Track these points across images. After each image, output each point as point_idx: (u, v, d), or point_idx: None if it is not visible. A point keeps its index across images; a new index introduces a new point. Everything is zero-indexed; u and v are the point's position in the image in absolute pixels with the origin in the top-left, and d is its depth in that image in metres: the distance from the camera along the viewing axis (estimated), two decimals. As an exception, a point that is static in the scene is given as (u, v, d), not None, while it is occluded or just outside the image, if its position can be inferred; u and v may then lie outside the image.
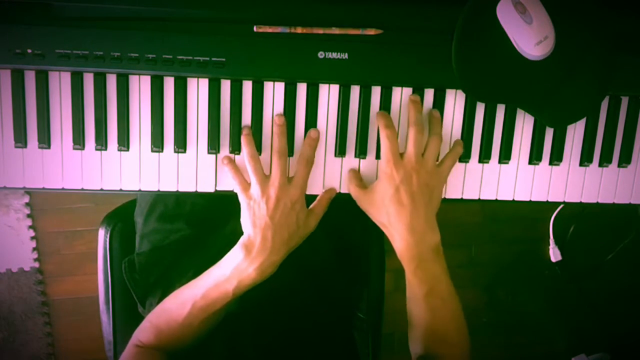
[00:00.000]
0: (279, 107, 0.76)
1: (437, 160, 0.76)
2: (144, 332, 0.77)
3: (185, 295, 0.75)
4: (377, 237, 1.05)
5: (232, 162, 0.75)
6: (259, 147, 0.76)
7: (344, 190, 0.79)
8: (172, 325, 0.75)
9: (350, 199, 0.78)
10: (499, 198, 0.82)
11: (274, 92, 0.76)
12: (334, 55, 0.74)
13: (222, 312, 0.75)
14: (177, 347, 0.76)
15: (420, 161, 0.73)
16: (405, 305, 0.79)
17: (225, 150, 0.76)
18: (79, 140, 0.74)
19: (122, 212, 1.02)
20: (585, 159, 0.81)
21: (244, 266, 0.71)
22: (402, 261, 0.75)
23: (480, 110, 0.79)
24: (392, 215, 0.73)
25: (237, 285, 0.71)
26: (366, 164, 0.78)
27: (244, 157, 0.73)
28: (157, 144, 0.75)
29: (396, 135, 0.74)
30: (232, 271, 0.72)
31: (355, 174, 0.77)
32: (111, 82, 0.73)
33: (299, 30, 0.73)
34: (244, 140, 0.74)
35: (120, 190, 0.76)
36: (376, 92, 0.77)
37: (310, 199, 0.77)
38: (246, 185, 0.73)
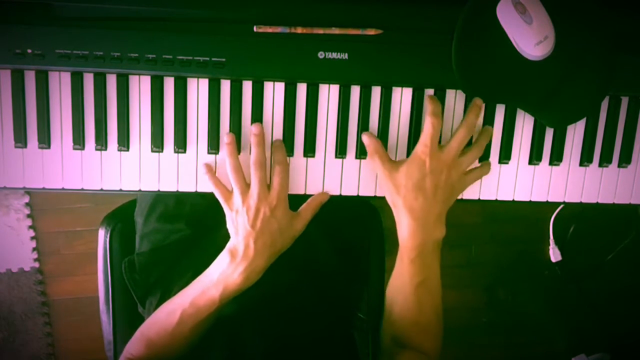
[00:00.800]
0: (279, 107, 0.76)
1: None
2: (135, 345, 0.77)
3: (173, 304, 0.76)
4: (377, 237, 1.05)
5: (211, 171, 0.76)
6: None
7: (344, 193, 0.79)
8: (162, 335, 0.75)
9: (350, 199, 0.78)
10: (499, 198, 0.82)
11: (274, 92, 0.76)
12: (334, 55, 0.74)
13: (211, 320, 0.76)
14: (168, 356, 0.76)
15: (455, 160, 0.74)
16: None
17: (225, 150, 0.76)
18: (79, 141, 0.74)
19: (122, 212, 1.02)
20: (585, 159, 0.81)
21: (229, 271, 0.72)
22: (402, 247, 0.75)
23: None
24: (408, 200, 0.73)
25: (222, 291, 0.73)
26: (367, 165, 0.78)
27: (227, 168, 0.74)
28: (157, 144, 0.75)
29: (440, 126, 0.74)
30: (218, 277, 0.73)
31: (381, 144, 0.76)
32: (111, 82, 0.73)
33: (299, 30, 0.73)
34: (227, 150, 0.74)
35: (120, 190, 0.76)
36: (376, 92, 0.77)
37: (306, 198, 0.77)
38: (228, 195, 0.74)
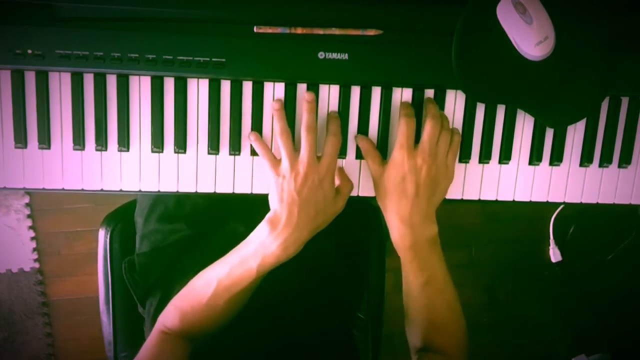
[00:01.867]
0: (279, 108, 0.76)
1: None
2: (168, 316, 0.76)
3: (210, 274, 0.74)
4: (377, 237, 1.05)
5: (259, 138, 0.75)
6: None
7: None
8: (196, 307, 0.73)
9: (349, 200, 0.78)
10: (499, 199, 0.82)
11: (274, 93, 0.76)
12: (334, 55, 0.74)
13: (247, 295, 0.74)
14: (201, 331, 0.75)
15: (432, 154, 0.73)
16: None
17: (225, 150, 0.76)
18: (79, 141, 0.74)
19: (122, 213, 1.02)
20: (586, 159, 0.81)
21: (268, 242, 0.70)
22: (397, 250, 0.75)
23: (480, 110, 0.79)
24: (392, 203, 0.73)
25: (261, 262, 0.70)
26: (367, 165, 0.78)
27: (275, 132, 0.73)
28: (157, 144, 0.75)
29: (414, 124, 0.74)
30: (256, 247, 0.71)
31: (373, 147, 0.76)
32: (111, 82, 0.73)
33: (299, 30, 0.73)
34: (276, 115, 0.73)
35: (121, 190, 0.76)
36: (376, 92, 0.77)
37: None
38: (275, 162, 0.73)
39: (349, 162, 0.78)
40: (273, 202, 0.72)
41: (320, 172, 0.71)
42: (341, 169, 0.78)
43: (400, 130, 0.73)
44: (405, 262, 0.75)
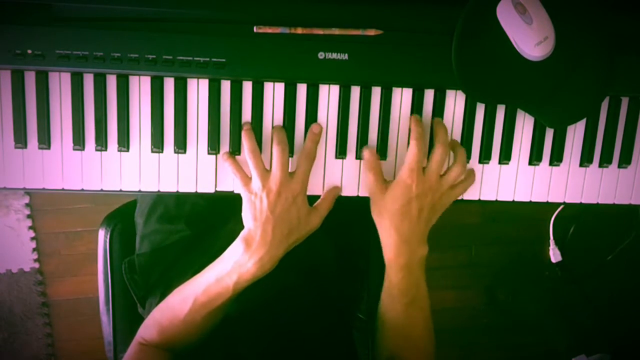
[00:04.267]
0: (279, 108, 0.76)
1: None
2: (147, 329, 0.76)
3: (187, 291, 0.75)
4: (377, 238, 1.05)
5: (232, 157, 0.75)
6: (259, 147, 0.76)
7: (344, 193, 0.79)
8: (174, 322, 0.74)
9: (350, 200, 0.78)
10: (499, 199, 0.82)
11: (274, 93, 0.76)
12: (334, 55, 0.74)
13: (224, 309, 0.75)
14: (180, 345, 0.76)
15: (439, 182, 0.74)
16: None
17: (225, 150, 0.76)
18: (79, 141, 0.74)
19: (122, 213, 1.02)
20: (586, 159, 0.81)
21: (244, 260, 0.71)
22: (389, 267, 0.76)
23: (480, 110, 0.79)
24: (393, 223, 0.73)
25: (237, 280, 0.71)
26: (366, 179, 0.78)
27: (245, 151, 0.73)
28: (157, 144, 0.75)
29: (426, 148, 0.75)
30: (232, 265, 0.71)
31: (378, 162, 0.76)
32: (111, 82, 0.73)
33: (299, 30, 0.73)
34: (244, 135, 0.74)
35: (120, 190, 0.76)
36: (376, 92, 0.77)
37: (312, 199, 0.77)
38: (247, 180, 0.73)
39: (349, 162, 0.78)
40: (247, 221, 0.72)
41: (293, 189, 0.72)
42: (331, 188, 0.78)
43: (411, 152, 0.73)
44: (394, 279, 0.75)
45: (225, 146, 0.76)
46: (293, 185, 0.72)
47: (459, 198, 0.79)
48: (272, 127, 0.75)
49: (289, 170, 0.74)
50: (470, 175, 0.78)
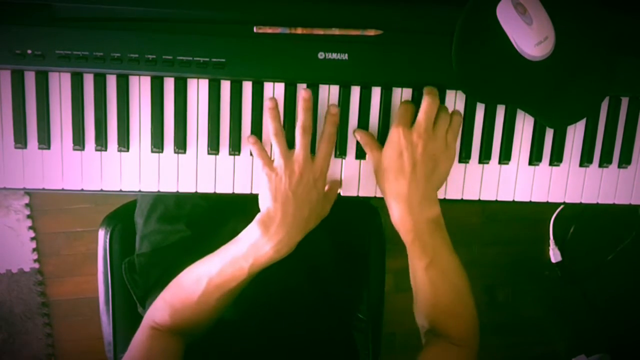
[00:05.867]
0: (279, 108, 0.76)
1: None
2: (158, 312, 0.75)
3: (200, 271, 0.73)
4: (377, 238, 1.05)
5: (258, 141, 0.74)
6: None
7: (345, 193, 0.79)
8: (187, 303, 0.73)
9: (350, 200, 0.78)
10: (499, 199, 0.82)
11: (274, 93, 0.76)
12: (334, 56, 0.74)
13: (238, 291, 0.74)
14: (192, 328, 0.74)
15: (429, 131, 0.72)
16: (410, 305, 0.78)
17: (225, 150, 0.76)
18: (79, 141, 0.74)
19: (122, 213, 1.02)
20: (586, 159, 0.81)
21: (261, 243, 0.69)
22: (399, 232, 0.74)
23: (480, 110, 0.79)
24: (390, 182, 0.72)
25: (252, 262, 0.70)
26: (367, 165, 0.78)
27: (269, 132, 0.73)
28: (157, 144, 0.75)
29: (412, 108, 0.74)
30: (248, 248, 0.70)
31: (369, 134, 0.76)
32: (111, 82, 0.73)
33: (299, 31, 0.73)
34: (270, 115, 0.73)
35: (120, 191, 0.76)
36: (376, 92, 0.77)
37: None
38: (269, 161, 0.72)
39: (349, 162, 0.78)
40: (265, 202, 0.71)
41: (315, 171, 0.71)
42: (332, 182, 0.77)
43: (397, 112, 0.73)
44: (407, 244, 0.74)
45: (225, 146, 0.76)
46: (315, 168, 0.71)
47: (459, 198, 0.79)
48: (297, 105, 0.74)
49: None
50: (454, 116, 0.75)
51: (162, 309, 0.75)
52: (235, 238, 0.72)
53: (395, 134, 0.72)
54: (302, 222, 0.70)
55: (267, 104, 0.74)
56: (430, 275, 0.74)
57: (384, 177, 0.73)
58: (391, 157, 0.72)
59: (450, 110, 0.77)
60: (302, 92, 0.73)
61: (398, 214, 0.72)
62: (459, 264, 0.76)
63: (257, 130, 0.76)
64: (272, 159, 0.73)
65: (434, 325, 0.76)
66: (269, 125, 0.73)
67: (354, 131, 0.77)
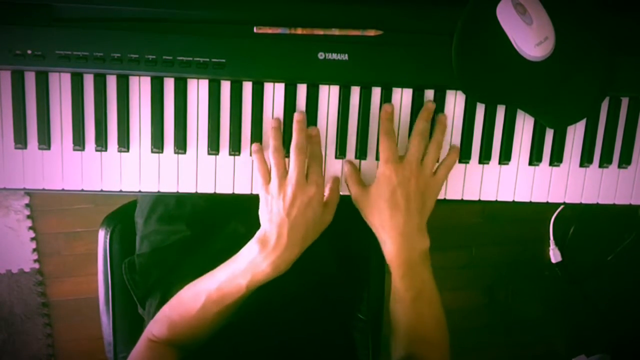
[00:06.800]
0: (279, 108, 0.76)
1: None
2: (157, 325, 0.76)
3: (199, 287, 0.74)
4: (376, 240, 1.05)
5: (261, 151, 0.75)
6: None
7: (344, 193, 0.79)
8: (185, 318, 0.74)
9: (350, 202, 0.78)
10: (499, 199, 0.82)
11: (274, 93, 0.76)
12: (334, 56, 0.74)
13: (236, 306, 0.75)
14: (189, 342, 0.75)
15: (419, 167, 0.74)
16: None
17: (225, 151, 0.76)
18: (79, 141, 0.74)
19: (122, 213, 1.02)
20: (586, 159, 0.81)
21: (258, 261, 0.70)
22: (391, 265, 0.75)
23: (480, 110, 0.79)
24: (385, 218, 0.73)
25: (250, 279, 0.71)
26: (366, 165, 0.78)
27: (270, 149, 0.73)
28: (157, 145, 0.75)
29: (395, 139, 0.75)
30: (246, 265, 0.71)
31: (355, 170, 0.77)
32: (111, 83, 0.73)
33: (299, 31, 0.73)
34: (272, 134, 0.74)
35: (120, 191, 0.76)
36: (376, 93, 0.77)
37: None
38: (267, 179, 0.73)
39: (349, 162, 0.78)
40: (263, 221, 0.72)
41: (308, 191, 0.71)
42: (332, 180, 0.78)
43: (382, 146, 0.74)
44: (398, 276, 0.75)
45: (225, 147, 0.76)
46: (308, 188, 0.72)
47: (459, 198, 0.79)
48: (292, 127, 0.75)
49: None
50: (451, 153, 0.78)
51: (161, 322, 0.76)
52: (236, 255, 0.74)
53: (387, 170, 0.73)
54: (298, 241, 0.71)
55: (272, 123, 0.75)
56: (416, 308, 0.76)
57: (378, 213, 0.74)
58: (385, 194, 0.73)
59: (449, 110, 0.77)
60: (296, 114, 0.74)
61: (394, 248, 0.74)
62: (438, 294, 0.78)
63: (257, 130, 0.76)
64: (270, 177, 0.73)
65: (412, 353, 0.77)
66: (270, 141, 0.74)
67: (344, 161, 0.78)
